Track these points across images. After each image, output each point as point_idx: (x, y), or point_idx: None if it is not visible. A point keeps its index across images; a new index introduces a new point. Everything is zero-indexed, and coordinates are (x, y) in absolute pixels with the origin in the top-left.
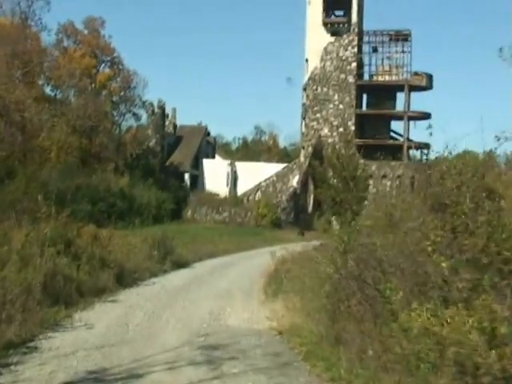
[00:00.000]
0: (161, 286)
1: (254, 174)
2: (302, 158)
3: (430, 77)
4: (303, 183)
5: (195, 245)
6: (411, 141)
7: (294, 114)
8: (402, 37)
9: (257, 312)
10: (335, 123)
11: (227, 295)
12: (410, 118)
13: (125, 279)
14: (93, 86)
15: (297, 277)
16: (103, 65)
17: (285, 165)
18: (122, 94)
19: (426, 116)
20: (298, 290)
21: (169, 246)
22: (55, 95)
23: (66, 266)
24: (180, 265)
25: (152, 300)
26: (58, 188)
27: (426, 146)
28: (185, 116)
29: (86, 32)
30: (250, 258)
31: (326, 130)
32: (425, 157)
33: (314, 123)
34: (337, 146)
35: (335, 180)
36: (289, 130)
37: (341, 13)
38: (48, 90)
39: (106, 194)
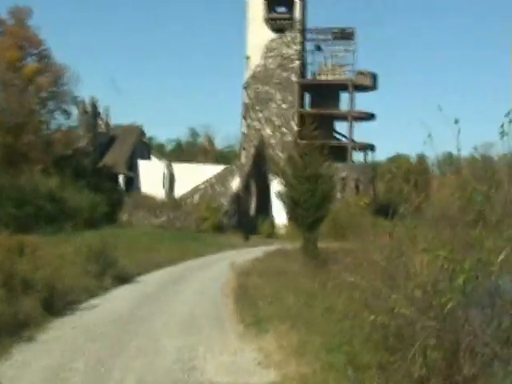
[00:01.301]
0: (103, 311)
1: (192, 176)
2: (243, 160)
3: (374, 76)
4: (245, 186)
5: (135, 253)
6: (355, 142)
7: (231, 115)
8: (346, 35)
9: (240, 353)
10: (278, 123)
11: (192, 326)
12: (355, 119)
13: (56, 304)
14: (18, 80)
15: (273, 296)
16: (30, 58)
17: (223, 166)
18: (52, 89)
19: (370, 116)
20: (285, 317)
21: (109, 256)
22: None
23: None
24: (122, 279)
25: (94, 337)
26: None
27: (370, 146)
28: (119, 115)
29: (11, 22)
30: (201, 269)
31: (268, 130)
32: (368, 158)
33: (256, 123)
34: (278, 147)
35: (294, 181)
36: (225, 131)
37: (283, 9)
38: None
39: (33, 196)
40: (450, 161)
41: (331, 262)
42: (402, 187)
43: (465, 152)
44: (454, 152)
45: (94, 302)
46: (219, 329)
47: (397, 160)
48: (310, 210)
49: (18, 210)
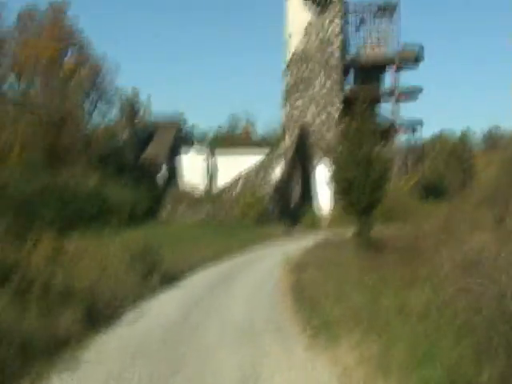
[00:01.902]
0: (151, 319)
1: (234, 165)
2: (285, 145)
3: (420, 48)
4: (288, 172)
5: (179, 249)
6: (402, 119)
7: (273, 99)
8: (389, 8)
9: (313, 368)
10: (320, 105)
11: (251, 334)
12: (401, 95)
13: (99, 314)
14: (59, 74)
15: (335, 293)
16: (69, 51)
17: (266, 153)
18: (92, 81)
19: (417, 91)
20: (355, 319)
21: (154, 255)
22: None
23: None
24: (169, 279)
25: (143, 352)
26: (19, 191)
27: (418, 122)
28: (159, 103)
29: (50, 16)
30: (249, 264)
31: (310, 113)
32: (417, 135)
33: (298, 106)
34: (322, 128)
35: (349, 162)
36: (266, 116)
37: None
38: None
39: (75, 194)
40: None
41: (387, 249)
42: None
43: None
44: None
45: (140, 306)
46: (282, 336)
47: (441, 137)
48: (364, 194)
49: (60, 208)
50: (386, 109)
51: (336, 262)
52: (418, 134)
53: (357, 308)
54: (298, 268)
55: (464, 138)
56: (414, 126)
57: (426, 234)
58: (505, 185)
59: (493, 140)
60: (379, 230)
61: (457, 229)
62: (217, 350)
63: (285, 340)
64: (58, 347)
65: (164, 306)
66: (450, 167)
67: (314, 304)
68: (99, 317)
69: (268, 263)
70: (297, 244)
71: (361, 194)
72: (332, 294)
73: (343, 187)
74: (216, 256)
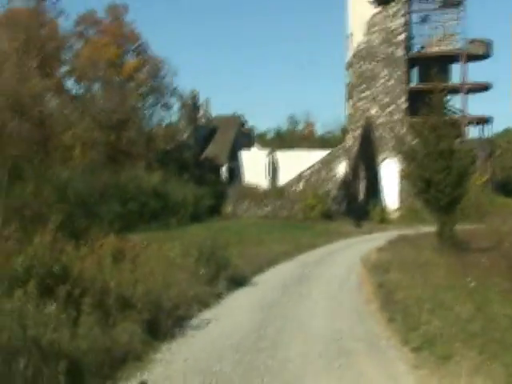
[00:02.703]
0: (219, 331)
1: (295, 163)
2: (349, 142)
3: (488, 43)
4: (353, 169)
5: (245, 247)
6: (470, 116)
7: (331, 100)
8: (454, 2)
9: None
10: (385, 101)
11: (339, 352)
12: (469, 91)
13: (162, 325)
14: (119, 77)
15: (429, 300)
16: (129, 54)
17: (327, 151)
18: (151, 84)
19: (485, 87)
20: (464, 335)
21: (221, 257)
22: (78, 88)
23: (47, 323)
24: (237, 282)
25: (212, 375)
26: (80, 189)
27: (487, 119)
28: (218, 106)
29: (108, 20)
30: (321, 264)
31: (374, 110)
32: (486, 131)
33: (361, 103)
34: (387, 127)
35: (426, 158)
36: (325, 116)
37: None
38: (70, 84)
39: (136, 192)
40: None
41: (472, 250)
42: None
43: None
44: None
45: (207, 315)
46: (378, 356)
47: (509, 133)
48: (445, 190)
49: (122, 207)
50: (453, 103)
51: (420, 262)
52: (487, 130)
53: (462, 318)
54: (380, 268)
55: None
56: (483, 121)
57: (509, 234)
58: None
59: None
60: (457, 228)
61: None
62: (301, 376)
63: (382, 360)
64: (114, 368)
65: (231, 315)
66: None
67: (407, 313)
68: (161, 328)
69: (340, 263)
70: (371, 241)
71: (441, 191)
72: (426, 299)
73: (420, 185)
74: (283, 255)
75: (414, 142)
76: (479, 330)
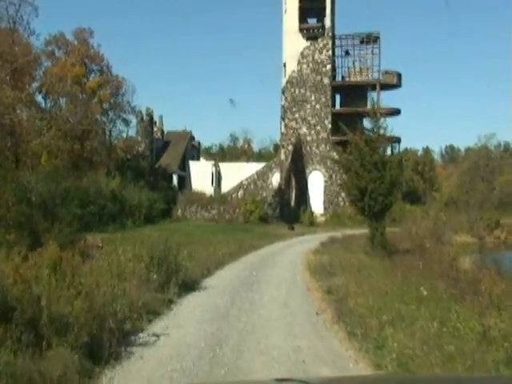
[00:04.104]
0: (170, 348)
1: (236, 174)
2: (282, 156)
3: (399, 75)
4: (286, 180)
5: (193, 248)
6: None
7: (267, 119)
8: (371, 39)
9: None
10: (313, 122)
11: (302, 371)
12: (381, 115)
13: (104, 347)
14: (83, 93)
15: (383, 309)
16: (93, 73)
17: (263, 164)
18: (112, 100)
19: (395, 112)
20: (442, 358)
21: (172, 262)
22: (46, 101)
23: None
24: (188, 286)
25: None
26: (42, 192)
27: (397, 139)
28: (169, 121)
29: (75, 42)
30: (266, 266)
31: (304, 129)
32: (395, 150)
33: (293, 123)
34: (314, 144)
35: (360, 169)
36: (262, 134)
37: (314, 19)
38: (39, 98)
39: (96, 196)
40: (452, 153)
41: (401, 251)
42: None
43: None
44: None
45: (158, 327)
46: None
47: (406, 153)
48: (378, 198)
49: (81, 209)
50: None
51: (358, 264)
52: (397, 148)
53: (430, 334)
54: (322, 272)
55: (427, 154)
56: (392, 142)
57: (424, 236)
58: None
59: (450, 156)
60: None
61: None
62: None
63: None
64: None
65: (183, 325)
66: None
67: (366, 325)
68: (104, 349)
69: (284, 264)
70: (305, 243)
71: (374, 199)
72: (380, 309)
73: (355, 193)
74: (229, 256)
75: (337, 156)
76: (454, 351)
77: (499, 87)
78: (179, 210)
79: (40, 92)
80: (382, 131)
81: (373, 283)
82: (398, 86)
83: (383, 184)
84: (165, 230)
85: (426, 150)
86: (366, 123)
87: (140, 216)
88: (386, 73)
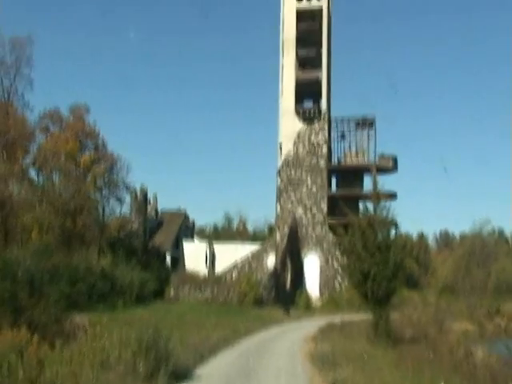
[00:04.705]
0: None
1: (230, 254)
2: (277, 238)
3: (394, 159)
4: (282, 261)
5: (186, 332)
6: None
7: (263, 200)
8: (367, 122)
9: None
10: (309, 204)
11: None
12: (376, 199)
13: None
14: (77, 169)
15: None
16: (87, 149)
17: (258, 245)
18: (106, 177)
19: (391, 196)
20: None
21: (163, 348)
22: (38, 175)
23: None
24: (179, 375)
25: None
26: (30, 268)
27: (394, 223)
28: (165, 198)
29: (71, 118)
30: (263, 354)
31: (300, 211)
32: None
33: (289, 204)
34: (310, 227)
35: (363, 252)
36: (256, 214)
37: (311, 102)
38: (33, 172)
39: (86, 274)
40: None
41: (406, 340)
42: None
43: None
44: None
45: None
46: None
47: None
48: (381, 283)
49: (70, 287)
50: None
51: (359, 355)
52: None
53: None
54: (325, 362)
55: (422, 238)
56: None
57: (426, 323)
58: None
59: (444, 241)
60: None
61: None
62: None
63: None
64: None
65: None
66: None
67: None
68: None
69: (282, 352)
70: (302, 329)
71: (378, 284)
72: None
73: (358, 277)
74: (224, 341)
75: (334, 239)
76: None
77: (494, 173)
78: (172, 291)
79: (33, 166)
80: (384, 213)
81: (384, 378)
82: (393, 169)
83: (387, 268)
84: (156, 311)
85: (421, 235)
86: (363, 206)
87: (131, 296)
88: (382, 157)
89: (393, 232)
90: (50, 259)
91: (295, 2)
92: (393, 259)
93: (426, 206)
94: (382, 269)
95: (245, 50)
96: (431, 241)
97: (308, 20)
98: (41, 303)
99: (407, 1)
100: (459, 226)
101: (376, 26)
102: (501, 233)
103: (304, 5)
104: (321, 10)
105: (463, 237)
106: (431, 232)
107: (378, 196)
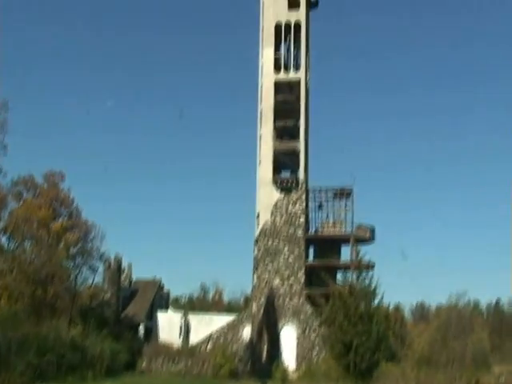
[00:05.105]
0: None
1: (206, 325)
2: (254, 309)
3: (372, 230)
4: (258, 333)
5: None
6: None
7: (239, 270)
8: (345, 192)
9: None
10: (286, 274)
11: None
12: (356, 269)
13: None
14: (49, 236)
15: None
16: (61, 216)
17: (234, 316)
18: (80, 245)
19: (369, 266)
20: None
21: None
22: (9, 242)
23: None
24: None
25: None
26: None
27: (373, 293)
28: (140, 268)
29: (45, 185)
30: None
31: (277, 281)
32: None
33: (266, 275)
34: (287, 298)
35: (345, 321)
36: (232, 285)
37: (288, 172)
38: (3, 239)
39: (56, 344)
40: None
41: None
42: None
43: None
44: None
45: None
46: None
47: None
48: (365, 355)
49: (39, 358)
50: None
51: None
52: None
53: None
54: None
55: (398, 309)
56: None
57: None
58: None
59: (420, 313)
60: None
61: None
62: None
63: None
64: None
65: None
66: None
67: None
68: None
69: None
70: None
71: (360, 355)
72: None
73: (340, 348)
74: None
75: (311, 310)
76: None
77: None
78: (144, 363)
79: (4, 233)
80: (367, 282)
81: None
82: (371, 240)
83: (370, 339)
84: None
85: (397, 307)
86: (342, 276)
87: (101, 368)
88: (360, 227)
89: (376, 301)
90: (19, 328)
91: (273, 74)
92: (376, 330)
93: (402, 277)
94: (365, 340)
95: (223, 120)
96: (407, 312)
97: (286, 91)
98: (6, 374)
99: (383, 74)
100: (435, 298)
101: (353, 97)
102: (476, 305)
103: (282, 76)
104: (299, 82)
105: (439, 308)
106: (407, 304)
107: (359, 265)
